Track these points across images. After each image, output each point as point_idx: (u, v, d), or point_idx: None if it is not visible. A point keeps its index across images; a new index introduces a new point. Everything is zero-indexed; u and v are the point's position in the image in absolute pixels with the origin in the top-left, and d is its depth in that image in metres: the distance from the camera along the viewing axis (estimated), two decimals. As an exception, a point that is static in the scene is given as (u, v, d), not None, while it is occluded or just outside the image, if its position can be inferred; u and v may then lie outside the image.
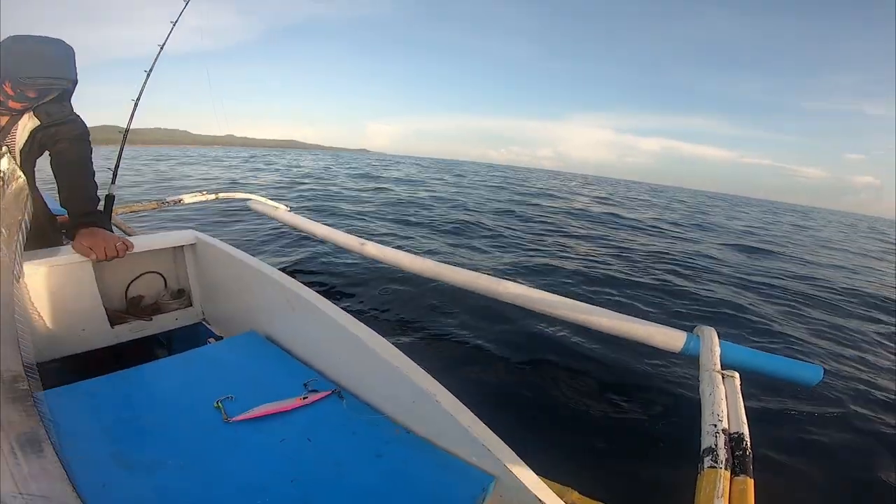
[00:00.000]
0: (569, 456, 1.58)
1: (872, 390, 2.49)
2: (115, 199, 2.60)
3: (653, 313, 3.48)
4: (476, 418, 0.86)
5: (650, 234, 8.07)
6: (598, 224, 8.63)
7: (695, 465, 1.13)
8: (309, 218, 3.75)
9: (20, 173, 0.86)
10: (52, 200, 1.52)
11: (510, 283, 2.48)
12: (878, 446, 1.96)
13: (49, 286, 1.29)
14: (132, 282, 1.58)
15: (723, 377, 1.60)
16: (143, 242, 1.51)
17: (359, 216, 7.17)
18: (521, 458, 0.81)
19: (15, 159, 1.07)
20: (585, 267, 4.73)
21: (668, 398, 2.11)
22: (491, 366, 2.36)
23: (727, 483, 1.03)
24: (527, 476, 0.79)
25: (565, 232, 7.14)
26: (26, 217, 0.87)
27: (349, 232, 3.44)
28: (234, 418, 0.94)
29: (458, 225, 6.78)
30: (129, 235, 2.78)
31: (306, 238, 4.58)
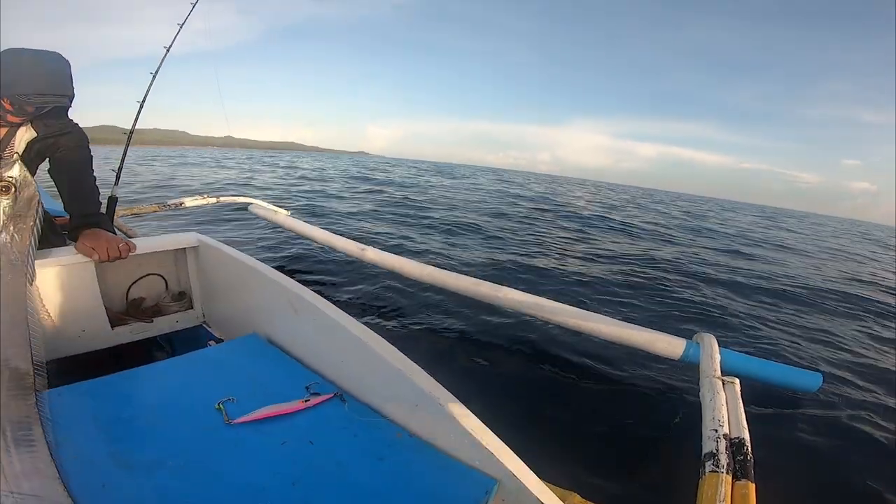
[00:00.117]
0: (571, 460, 1.58)
1: (874, 394, 2.50)
2: (118, 200, 2.61)
3: (652, 311, 3.50)
4: (479, 421, 0.86)
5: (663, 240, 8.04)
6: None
7: (696, 469, 1.13)
8: (308, 223, 3.76)
9: (31, 179, 0.88)
10: (51, 200, 1.53)
11: (511, 290, 2.49)
12: (880, 450, 1.97)
13: (51, 286, 1.29)
14: (133, 283, 1.58)
15: (723, 383, 1.61)
16: (145, 244, 1.52)
17: (354, 217, 7.19)
18: (524, 462, 0.81)
19: None
20: (617, 275, 4.70)
21: (669, 403, 2.11)
22: (492, 370, 2.35)
23: (729, 487, 1.03)
24: (529, 479, 0.79)
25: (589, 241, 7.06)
26: (38, 222, 0.88)
27: (349, 236, 3.45)
28: (235, 420, 0.94)
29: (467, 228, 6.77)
30: (131, 237, 2.78)
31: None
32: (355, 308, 3.13)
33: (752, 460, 1.15)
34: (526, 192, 17.05)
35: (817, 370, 2.14)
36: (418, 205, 9.38)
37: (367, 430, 0.96)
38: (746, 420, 1.36)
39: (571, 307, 2.35)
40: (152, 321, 1.55)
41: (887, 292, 5.69)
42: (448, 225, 6.98)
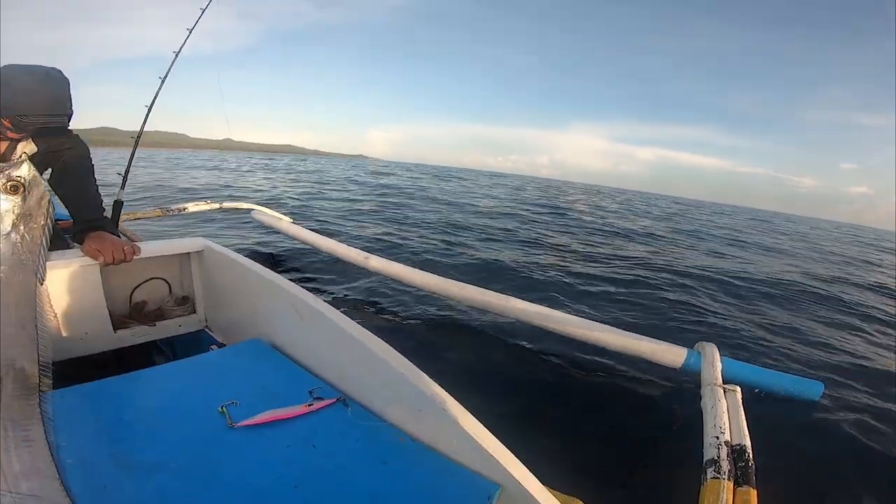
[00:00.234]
0: (573, 466, 1.58)
1: (875, 401, 2.50)
2: (123, 205, 2.61)
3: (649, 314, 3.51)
4: (481, 426, 0.87)
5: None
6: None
7: (698, 476, 1.13)
8: (311, 230, 3.78)
9: (41, 179, 0.89)
10: (53, 204, 1.53)
11: (515, 299, 2.51)
12: (880, 458, 1.96)
13: (55, 287, 1.30)
14: (137, 287, 1.59)
15: (724, 391, 1.61)
16: (150, 248, 1.52)
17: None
18: (527, 467, 0.81)
19: None
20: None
21: (671, 410, 2.11)
22: (496, 375, 2.35)
23: (730, 493, 1.03)
24: (532, 485, 0.79)
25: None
26: (49, 222, 0.89)
27: (353, 244, 3.47)
28: (238, 424, 0.94)
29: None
30: (134, 241, 2.79)
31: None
32: (357, 310, 3.14)
33: (754, 467, 1.15)
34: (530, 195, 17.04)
35: (819, 379, 2.14)
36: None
37: (370, 434, 0.96)
38: (748, 427, 1.36)
39: (577, 318, 2.37)
40: (155, 325, 1.56)
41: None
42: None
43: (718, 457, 1.19)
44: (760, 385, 2.04)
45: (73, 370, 1.32)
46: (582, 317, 2.41)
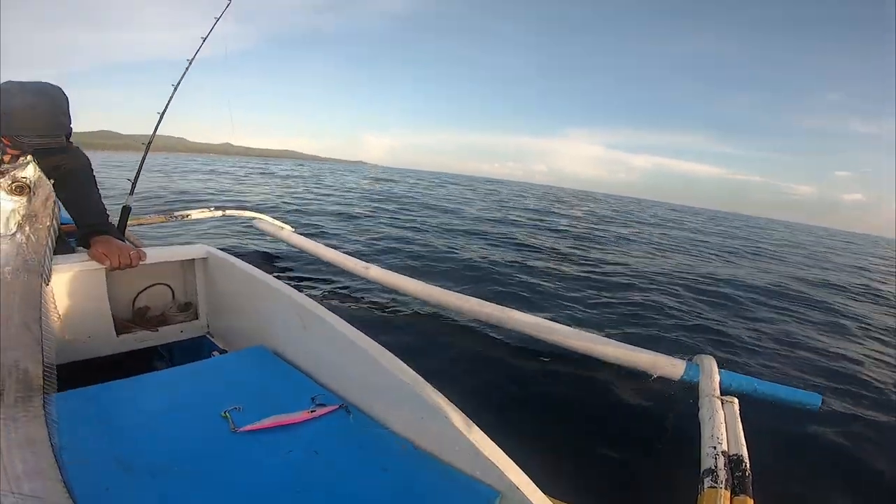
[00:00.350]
0: (573, 474, 1.58)
1: (873, 412, 2.50)
2: (132, 210, 2.61)
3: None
4: (483, 434, 0.87)
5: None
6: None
7: (695, 485, 1.14)
8: (313, 239, 3.80)
9: (46, 180, 0.90)
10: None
11: (515, 311, 2.53)
12: (877, 468, 1.97)
13: (60, 290, 1.31)
14: (141, 292, 1.60)
15: (722, 402, 1.62)
16: (154, 254, 1.54)
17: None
18: (527, 475, 0.82)
19: None
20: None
21: (669, 421, 2.12)
22: (495, 386, 2.35)
23: (727, 503, 1.04)
24: (532, 493, 0.79)
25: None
26: (55, 223, 0.90)
27: (354, 254, 3.49)
28: (241, 429, 0.95)
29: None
30: (137, 247, 2.80)
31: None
32: (358, 317, 3.14)
33: (751, 476, 1.16)
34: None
35: (817, 391, 2.15)
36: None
37: (372, 441, 0.97)
38: (745, 438, 1.37)
39: (576, 330, 2.39)
40: (157, 330, 1.56)
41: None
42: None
43: (716, 466, 1.20)
44: (758, 396, 2.06)
45: (76, 373, 1.33)
46: (580, 328, 2.42)
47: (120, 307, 1.55)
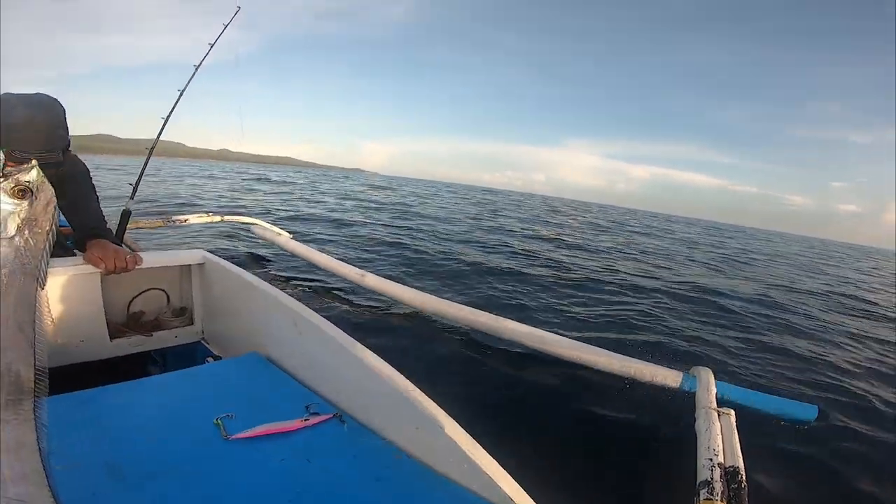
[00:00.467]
0: (568, 486, 1.57)
1: (867, 422, 2.50)
2: (132, 214, 2.59)
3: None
4: (478, 445, 0.87)
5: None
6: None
7: (691, 497, 1.13)
8: (310, 246, 3.80)
9: (49, 185, 0.91)
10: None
11: (511, 321, 2.53)
12: (872, 479, 1.96)
13: (54, 293, 1.30)
14: (136, 297, 1.59)
15: (718, 414, 1.62)
16: (150, 259, 1.53)
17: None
18: (522, 488, 0.81)
19: None
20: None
21: (665, 433, 2.11)
22: (490, 396, 2.34)
23: (722, 515, 1.03)
24: None
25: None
26: (54, 228, 0.91)
27: (350, 262, 3.49)
28: (233, 436, 0.94)
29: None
30: (135, 251, 2.79)
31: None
32: (352, 323, 3.13)
33: (747, 488, 1.16)
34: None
35: (813, 403, 2.15)
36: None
37: (366, 450, 0.96)
38: (741, 450, 1.37)
39: (571, 340, 2.39)
40: (151, 335, 1.55)
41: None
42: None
43: (712, 478, 1.20)
44: (755, 407, 2.05)
45: (69, 377, 1.32)
46: (574, 338, 2.42)
47: (114, 311, 1.54)
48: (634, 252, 9.69)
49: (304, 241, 4.32)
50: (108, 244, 1.40)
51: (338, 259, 3.64)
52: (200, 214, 3.93)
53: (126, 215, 2.52)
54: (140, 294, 1.60)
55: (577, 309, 4.24)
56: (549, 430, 2.06)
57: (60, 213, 1.48)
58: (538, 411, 2.23)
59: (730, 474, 1.22)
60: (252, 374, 1.25)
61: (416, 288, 3.08)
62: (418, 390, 0.96)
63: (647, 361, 2.22)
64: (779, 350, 3.73)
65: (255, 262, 4.67)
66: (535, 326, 2.54)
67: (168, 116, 2.69)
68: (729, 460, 1.29)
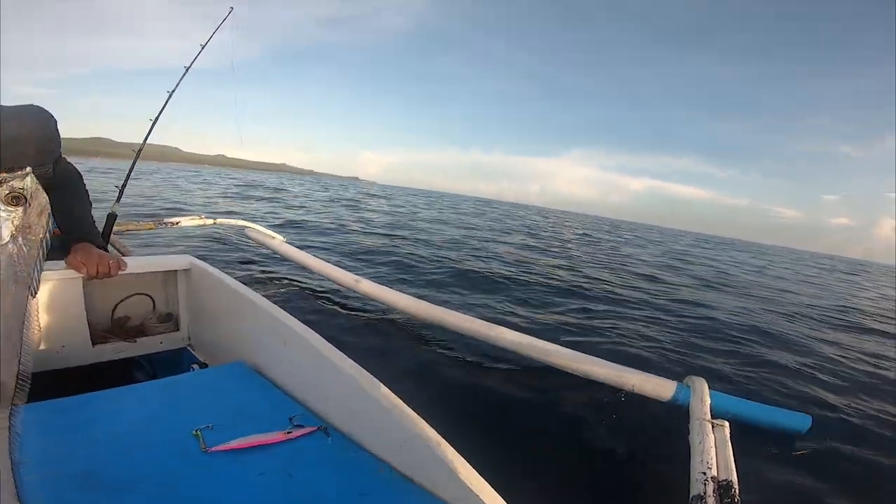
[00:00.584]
0: (557, 501, 1.54)
1: (862, 434, 2.50)
2: (117, 218, 2.56)
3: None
4: (464, 461, 0.85)
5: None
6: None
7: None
8: (304, 250, 3.77)
9: (43, 192, 0.90)
10: None
11: (504, 329, 2.51)
12: (866, 492, 1.95)
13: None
14: (120, 302, 1.56)
15: (712, 426, 1.60)
16: (136, 263, 1.51)
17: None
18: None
19: None
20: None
21: (658, 445, 2.09)
22: (478, 407, 2.32)
23: (716, 530, 1.01)
24: None
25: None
26: (47, 235, 0.89)
27: (344, 268, 3.46)
28: (212, 448, 0.91)
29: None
30: (124, 255, 2.75)
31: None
32: (343, 328, 3.10)
33: (740, 502, 1.14)
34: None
35: (807, 412, 2.14)
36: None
37: (351, 464, 0.93)
38: (735, 463, 1.35)
39: (564, 348, 2.36)
40: (135, 341, 1.52)
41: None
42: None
43: (704, 493, 1.19)
44: (749, 417, 2.04)
45: (49, 383, 1.28)
46: (568, 347, 2.40)
47: (98, 316, 1.51)
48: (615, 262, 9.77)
49: (302, 248, 4.28)
50: (92, 248, 1.37)
51: (332, 264, 3.61)
52: (192, 217, 3.89)
53: (112, 218, 2.49)
54: (125, 299, 1.57)
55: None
56: (538, 444, 2.03)
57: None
58: (527, 424, 2.19)
59: (723, 488, 1.21)
60: (236, 384, 1.22)
61: (411, 294, 3.05)
62: (403, 404, 0.94)
63: (639, 371, 2.20)
64: (768, 363, 3.73)
65: (247, 265, 4.64)
66: (528, 334, 2.51)
67: (156, 118, 2.66)
68: (722, 474, 1.28)
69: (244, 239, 4.77)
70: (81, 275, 1.31)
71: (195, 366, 1.51)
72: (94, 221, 1.52)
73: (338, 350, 1.10)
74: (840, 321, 6.28)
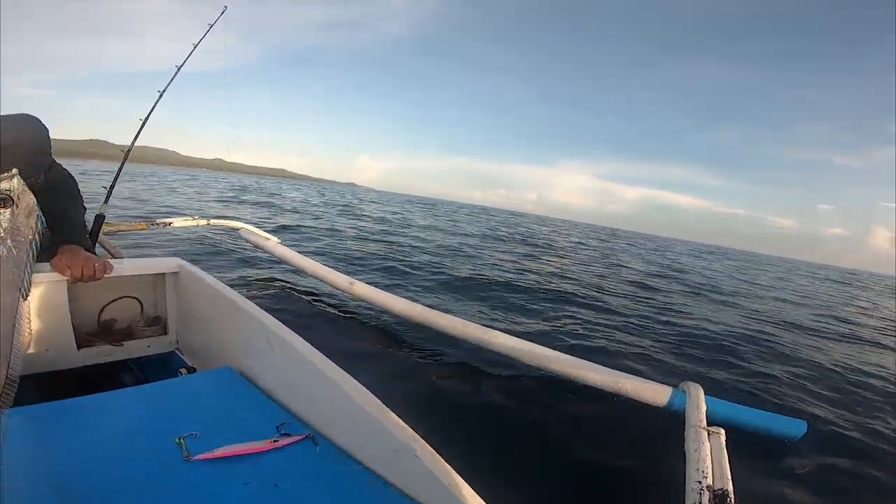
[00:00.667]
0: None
1: (856, 442, 2.49)
2: (105, 218, 2.53)
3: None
4: (456, 474, 0.82)
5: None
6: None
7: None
8: (299, 252, 3.74)
9: (30, 193, 0.87)
10: None
11: (500, 333, 2.49)
12: (861, 499, 1.94)
13: None
14: (107, 305, 1.54)
15: (708, 434, 1.59)
16: (124, 266, 1.48)
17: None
18: None
19: None
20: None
21: (652, 452, 2.07)
22: (470, 414, 2.29)
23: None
24: None
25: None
26: (36, 237, 0.87)
27: (339, 269, 3.44)
28: (195, 457, 0.89)
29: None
30: (114, 257, 2.71)
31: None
32: (335, 333, 3.07)
33: None
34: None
35: (801, 418, 2.14)
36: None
37: (339, 475, 0.91)
38: (731, 471, 1.34)
39: (559, 353, 2.35)
40: (122, 345, 1.50)
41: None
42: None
43: (700, 502, 1.18)
44: (744, 423, 2.04)
45: (32, 387, 1.25)
46: (564, 352, 2.38)
47: (84, 320, 1.48)
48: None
49: (301, 252, 4.26)
50: (79, 251, 1.34)
51: (326, 266, 3.58)
52: (186, 218, 3.84)
53: (100, 219, 2.45)
54: (112, 302, 1.54)
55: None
56: (531, 453, 2.00)
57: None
58: (520, 432, 2.16)
59: (718, 498, 1.19)
60: (223, 391, 1.19)
61: (406, 297, 3.02)
62: (393, 415, 0.92)
63: (635, 376, 2.19)
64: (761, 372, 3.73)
65: (241, 267, 4.60)
66: (524, 339, 2.49)
67: (146, 118, 2.64)
68: (718, 483, 1.27)
69: (238, 240, 4.74)
70: (66, 277, 1.28)
71: (183, 370, 1.49)
72: (84, 224, 1.50)
73: (325, 357, 1.08)
74: (827, 330, 6.32)
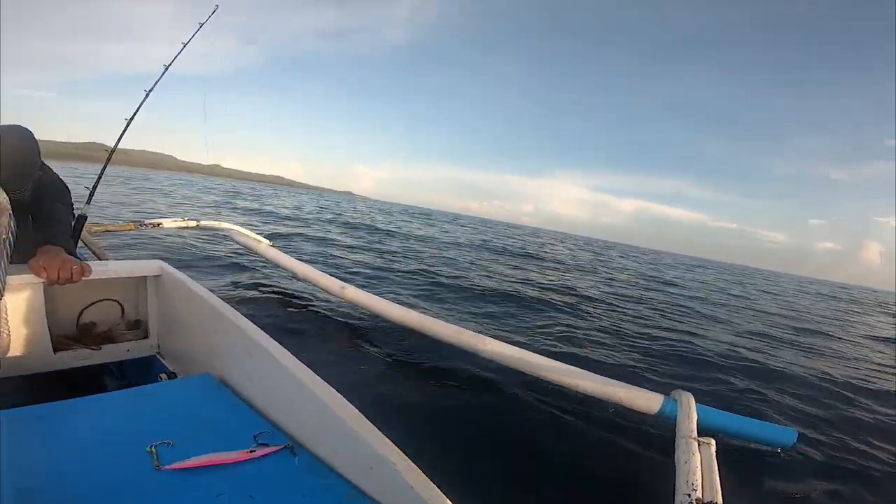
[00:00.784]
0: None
1: (845, 453, 2.48)
2: (88, 219, 2.48)
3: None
4: (435, 488, 0.80)
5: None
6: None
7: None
8: (290, 255, 3.70)
9: (4, 195, 0.85)
10: None
11: (493, 340, 2.47)
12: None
13: None
14: (87, 308, 1.50)
15: (699, 444, 1.57)
16: (104, 268, 1.44)
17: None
18: None
19: None
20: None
21: (642, 461, 2.05)
22: (456, 421, 2.26)
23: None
24: None
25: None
26: (10, 237, 0.84)
27: (332, 274, 3.40)
28: (166, 466, 0.85)
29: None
30: (99, 258, 2.66)
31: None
32: (323, 336, 3.02)
33: None
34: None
35: (792, 427, 2.13)
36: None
37: (317, 487, 0.88)
38: (721, 484, 1.32)
39: (553, 361, 2.33)
40: (100, 348, 1.45)
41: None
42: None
43: None
44: (735, 432, 2.03)
45: (9, 391, 1.21)
46: (557, 359, 2.36)
47: (62, 322, 1.44)
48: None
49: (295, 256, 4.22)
50: (58, 252, 1.30)
51: (318, 270, 3.54)
52: (175, 219, 3.78)
53: (82, 220, 2.40)
54: (92, 305, 1.50)
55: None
56: (517, 464, 1.97)
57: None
58: (504, 442, 2.14)
59: (708, 510, 1.17)
60: (201, 398, 1.15)
61: (398, 303, 2.99)
62: (373, 427, 0.89)
63: (626, 384, 2.17)
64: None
65: (230, 269, 4.54)
66: (517, 346, 2.47)
67: (132, 118, 2.59)
68: (707, 496, 1.25)
69: (229, 243, 4.68)
70: (42, 280, 1.25)
71: (164, 375, 1.45)
72: (70, 226, 1.47)
73: (305, 366, 1.05)
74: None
